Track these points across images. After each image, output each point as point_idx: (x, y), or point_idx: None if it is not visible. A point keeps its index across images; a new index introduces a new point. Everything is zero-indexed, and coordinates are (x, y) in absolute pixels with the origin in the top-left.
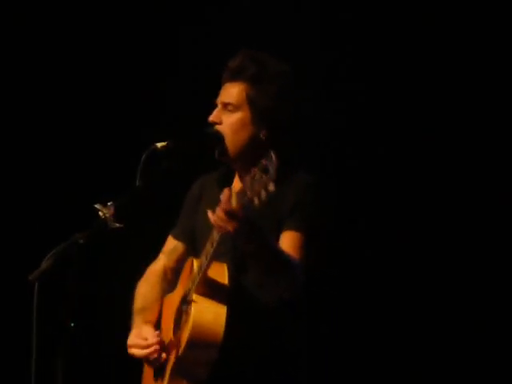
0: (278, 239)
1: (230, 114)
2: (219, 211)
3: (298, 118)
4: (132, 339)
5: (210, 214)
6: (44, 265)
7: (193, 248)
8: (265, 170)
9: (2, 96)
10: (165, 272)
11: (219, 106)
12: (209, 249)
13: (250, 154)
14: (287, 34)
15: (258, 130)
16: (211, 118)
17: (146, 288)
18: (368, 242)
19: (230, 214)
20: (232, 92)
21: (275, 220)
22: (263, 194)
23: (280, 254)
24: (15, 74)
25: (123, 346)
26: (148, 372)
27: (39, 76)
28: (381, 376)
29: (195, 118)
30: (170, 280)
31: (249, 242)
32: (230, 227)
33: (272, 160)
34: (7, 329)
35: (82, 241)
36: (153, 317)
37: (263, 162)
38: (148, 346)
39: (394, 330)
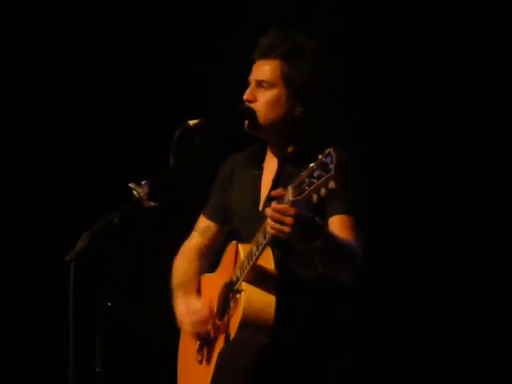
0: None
1: (264, 91)
2: (271, 210)
3: (333, 96)
4: (183, 316)
5: (266, 210)
6: (80, 245)
7: (225, 226)
8: (324, 168)
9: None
10: (200, 249)
11: (253, 83)
12: (261, 240)
13: (284, 131)
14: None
15: (294, 107)
16: (246, 97)
17: (183, 263)
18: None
19: (282, 212)
20: (266, 69)
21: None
22: (323, 191)
23: (342, 245)
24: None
25: (159, 323)
26: (187, 353)
27: (79, 62)
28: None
29: (227, 97)
30: (206, 256)
31: (311, 241)
32: (285, 226)
33: (332, 158)
34: (45, 310)
35: (116, 220)
36: (193, 290)
37: (322, 158)
38: (201, 321)
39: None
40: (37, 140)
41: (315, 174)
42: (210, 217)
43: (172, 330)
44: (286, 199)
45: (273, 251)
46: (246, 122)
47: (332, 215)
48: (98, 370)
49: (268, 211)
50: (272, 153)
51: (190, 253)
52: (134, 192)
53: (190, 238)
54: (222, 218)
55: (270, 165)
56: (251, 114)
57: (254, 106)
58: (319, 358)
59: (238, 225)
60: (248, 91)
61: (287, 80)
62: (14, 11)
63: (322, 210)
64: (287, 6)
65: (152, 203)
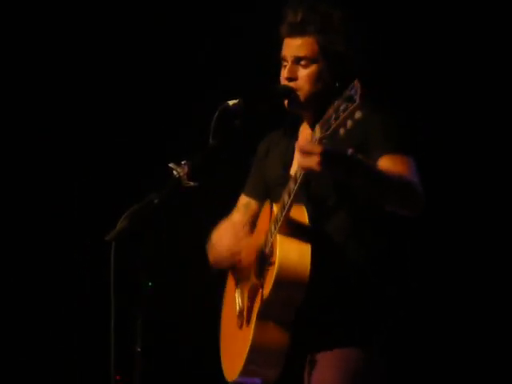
0: None
1: (304, 68)
2: (299, 150)
3: (366, 62)
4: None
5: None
6: (120, 225)
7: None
8: (349, 99)
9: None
10: (239, 223)
11: (290, 61)
12: (292, 186)
13: (324, 104)
14: None
15: (334, 80)
16: (288, 75)
17: (221, 232)
18: None
19: (308, 151)
20: (303, 46)
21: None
22: (349, 122)
23: (391, 177)
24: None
25: (197, 303)
26: (228, 322)
27: (100, 60)
28: None
29: (265, 76)
30: (246, 231)
31: (351, 177)
32: (312, 163)
33: (357, 88)
34: (86, 289)
35: (156, 200)
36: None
37: (347, 91)
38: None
39: None
40: (82, 123)
41: (341, 107)
42: (248, 194)
43: (212, 307)
44: (314, 138)
45: (306, 208)
46: (286, 101)
47: (380, 156)
48: (138, 349)
49: (297, 150)
50: (309, 125)
51: (228, 226)
52: (174, 172)
53: (230, 215)
54: (260, 194)
55: (305, 135)
56: (290, 92)
57: (294, 84)
58: (359, 308)
59: (274, 195)
60: (287, 69)
61: (325, 54)
62: (15, 11)
63: (367, 154)
64: None
65: (192, 183)
